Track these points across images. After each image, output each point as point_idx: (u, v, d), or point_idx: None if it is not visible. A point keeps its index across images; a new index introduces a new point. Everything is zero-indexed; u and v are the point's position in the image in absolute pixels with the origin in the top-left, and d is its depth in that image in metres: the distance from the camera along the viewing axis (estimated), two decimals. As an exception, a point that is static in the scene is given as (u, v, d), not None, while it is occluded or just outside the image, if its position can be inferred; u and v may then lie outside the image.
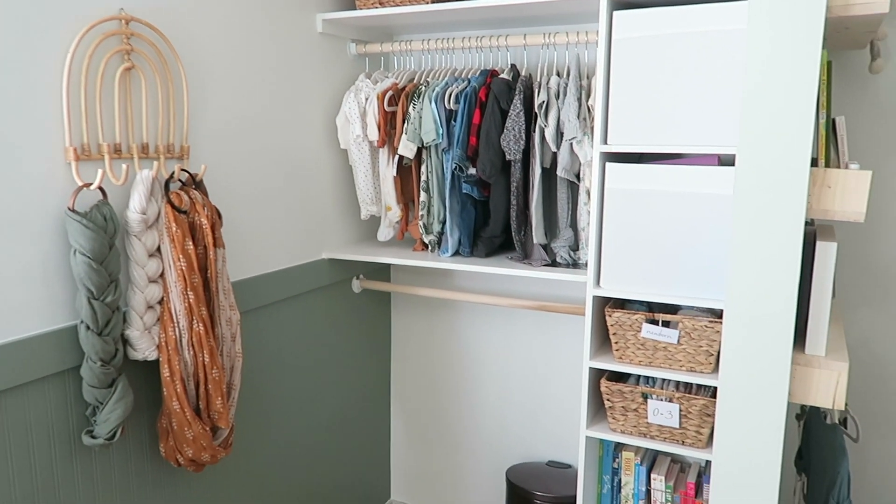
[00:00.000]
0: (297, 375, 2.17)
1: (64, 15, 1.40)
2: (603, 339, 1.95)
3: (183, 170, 1.63)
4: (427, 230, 2.14)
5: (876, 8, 1.24)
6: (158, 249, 1.57)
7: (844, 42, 1.73)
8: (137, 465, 1.65)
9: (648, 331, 1.77)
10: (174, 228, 1.55)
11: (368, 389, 2.56)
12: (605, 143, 1.78)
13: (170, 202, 1.56)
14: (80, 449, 1.51)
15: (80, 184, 1.42)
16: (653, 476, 2.04)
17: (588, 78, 1.94)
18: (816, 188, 1.32)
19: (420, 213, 2.13)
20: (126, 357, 1.53)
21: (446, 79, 2.08)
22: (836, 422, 1.65)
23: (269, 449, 2.08)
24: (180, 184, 1.63)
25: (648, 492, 2.06)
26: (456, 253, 2.14)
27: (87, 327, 1.42)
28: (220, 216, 1.68)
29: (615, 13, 1.72)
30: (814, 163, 1.40)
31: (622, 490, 2.06)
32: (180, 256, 1.55)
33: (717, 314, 1.77)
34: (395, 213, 2.20)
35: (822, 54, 1.29)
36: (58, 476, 1.46)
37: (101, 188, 1.45)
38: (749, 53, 1.32)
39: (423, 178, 2.11)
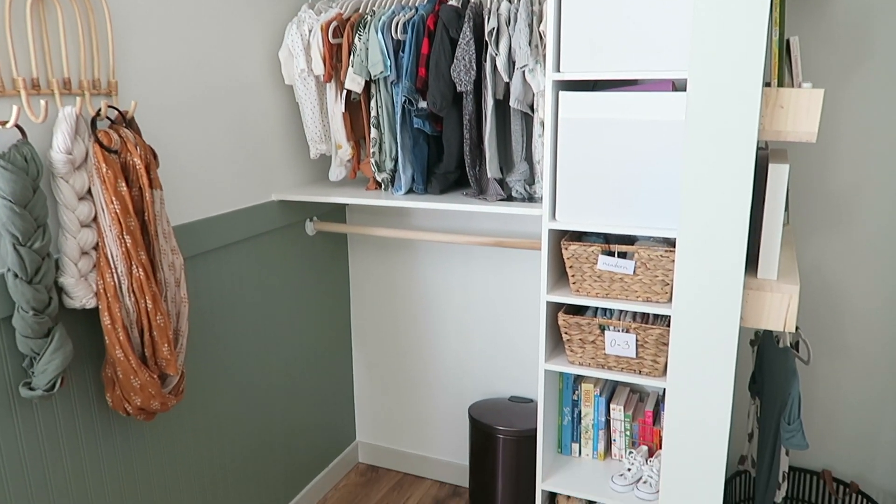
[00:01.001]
0: (253, 320, 2.12)
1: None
2: (560, 272, 1.93)
3: (111, 107, 1.53)
4: (379, 168, 2.08)
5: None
6: (89, 192, 1.48)
7: (800, -42, 1.68)
8: (84, 417, 1.60)
9: (605, 262, 1.75)
10: (104, 169, 1.46)
11: (328, 332, 2.53)
12: (558, 70, 1.72)
13: (98, 141, 1.46)
14: (19, 402, 1.45)
15: (-5, 122, 1.32)
16: (612, 406, 2.07)
17: (540, 3, 1.85)
18: (769, 109, 1.29)
19: (371, 150, 2.06)
20: (62, 306, 1.47)
21: (393, 7, 1.98)
22: (788, 345, 1.66)
23: (226, 395, 2.04)
24: (109, 122, 1.54)
25: (608, 422, 2.09)
26: (410, 191, 2.08)
27: (16, 275, 1.35)
28: (155, 156, 1.59)
29: (566, -69, 1.64)
30: (767, 85, 1.36)
31: (582, 421, 2.09)
32: (113, 199, 1.47)
33: (673, 243, 1.75)
34: (346, 151, 2.13)
35: (775, -34, 1.23)
36: (-3, 431, 1.41)
37: (18, 126, 1.35)
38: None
39: (372, 113, 2.03)
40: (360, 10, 2.06)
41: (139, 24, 1.64)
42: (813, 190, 2.04)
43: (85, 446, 1.61)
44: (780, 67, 1.42)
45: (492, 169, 1.93)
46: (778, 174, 1.30)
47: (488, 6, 1.87)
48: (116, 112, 1.55)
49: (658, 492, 1.85)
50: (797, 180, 2.05)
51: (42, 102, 1.38)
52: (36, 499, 1.50)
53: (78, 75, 1.49)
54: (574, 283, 1.80)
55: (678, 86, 1.68)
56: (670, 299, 1.72)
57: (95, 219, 1.49)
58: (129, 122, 1.57)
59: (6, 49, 1.34)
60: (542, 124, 1.85)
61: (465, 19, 1.86)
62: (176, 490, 1.88)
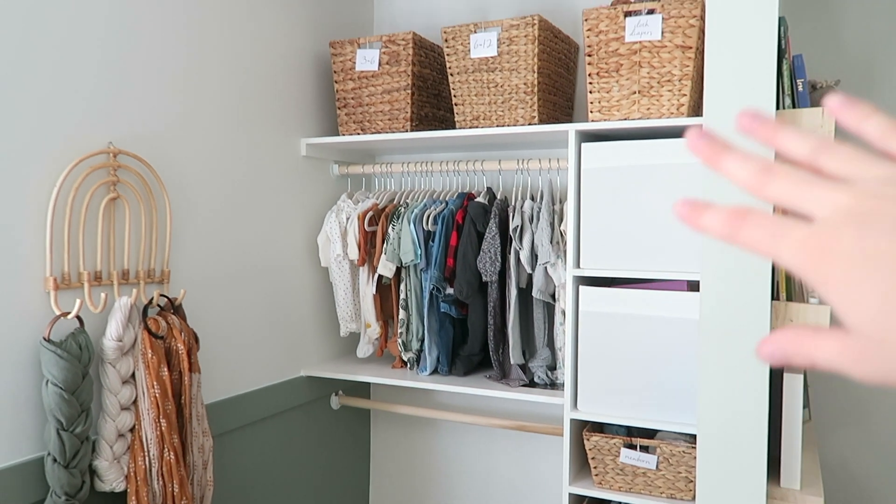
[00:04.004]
0: (272, 498, 2.11)
1: (54, 149, 1.46)
2: (582, 461, 1.92)
3: (162, 295, 1.65)
4: (406, 347, 2.15)
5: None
6: (133, 376, 1.56)
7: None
8: None
9: (627, 456, 1.76)
10: (150, 355, 1.55)
11: (345, 510, 2.48)
12: (578, 266, 1.83)
13: (147, 328, 1.57)
14: (36, 589, 1.44)
15: (58, 313, 1.44)
16: None
17: (560, 202, 2.01)
18: (779, 322, 1.36)
19: (399, 330, 2.15)
20: (93, 488, 1.50)
21: (425, 200, 2.16)
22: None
23: (238, 579, 1.98)
24: (159, 308, 1.65)
25: None
26: (434, 371, 2.14)
27: (54, 460, 1.40)
28: (197, 340, 1.69)
29: (583, 145, 1.82)
30: (777, 296, 1.44)
31: None
32: (154, 383, 1.55)
33: (695, 438, 1.76)
34: (375, 329, 2.22)
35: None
36: None
37: (78, 316, 1.46)
38: (705, 192, 1.40)
39: (402, 296, 2.14)
40: (395, 202, 2.24)
41: (193, 217, 1.81)
42: (834, 383, 2.06)
43: None
44: (789, 279, 1.51)
45: (514, 355, 1.99)
46: (793, 385, 1.34)
47: (513, 204, 2.03)
48: (166, 299, 1.66)
49: None
50: (817, 374, 2.08)
51: (102, 295, 1.50)
52: None
53: (136, 266, 1.63)
54: (597, 475, 1.80)
55: (693, 285, 1.77)
56: (695, 497, 1.70)
57: (135, 401, 1.56)
58: (177, 309, 1.69)
59: (77, 246, 1.49)
60: (563, 313, 1.93)
61: (492, 215, 2.02)
62: None
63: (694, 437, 1.76)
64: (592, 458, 1.79)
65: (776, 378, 1.44)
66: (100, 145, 1.55)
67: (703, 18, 1.69)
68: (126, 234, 1.60)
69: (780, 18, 1.43)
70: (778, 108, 1.46)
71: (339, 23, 2.38)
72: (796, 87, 1.52)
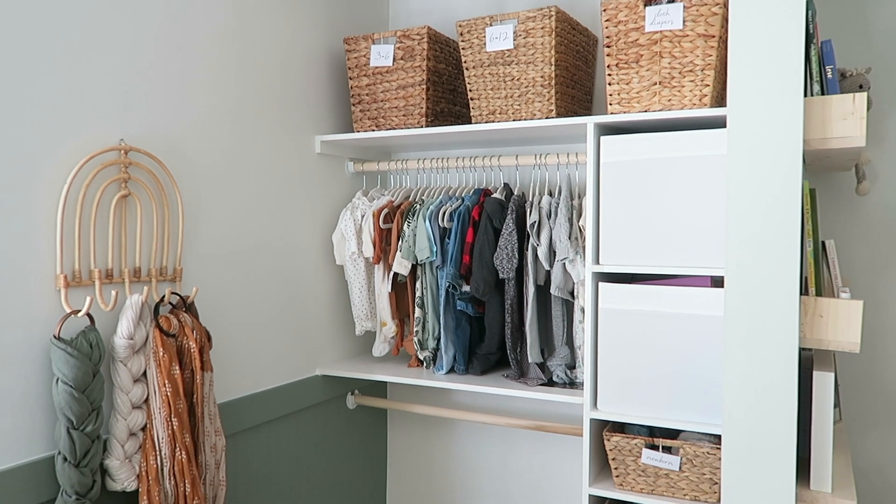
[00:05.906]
0: (287, 499, 2.08)
1: (64, 146, 1.44)
2: (603, 462, 1.87)
3: (174, 293, 1.63)
4: (422, 346, 2.12)
5: (853, 142, 1.26)
6: (144, 374, 1.54)
7: (829, 166, 1.76)
8: None
9: (649, 456, 1.70)
10: (161, 353, 1.53)
11: (362, 511, 2.46)
12: (597, 262, 1.78)
13: (158, 326, 1.55)
14: (48, 589, 1.43)
15: (69, 311, 1.42)
16: None
17: (579, 197, 1.96)
18: (808, 317, 1.30)
19: (415, 328, 2.11)
20: (104, 488, 1.48)
21: (440, 197, 2.12)
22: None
23: (253, 581, 1.96)
24: (171, 306, 1.63)
25: None
26: (451, 370, 2.10)
27: (65, 459, 1.38)
28: (209, 338, 1.67)
29: (602, 138, 1.77)
30: (806, 290, 1.38)
31: None
32: (166, 382, 1.53)
33: (720, 439, 1.70)
34: (391, 328, 2.18)
35: (803, 184, 1.30)
36: None
37: (88, 314, 1.45)
38: (730, 184, 1.34)
39: (417, 294, 2.10)
40: (410, 199, 2.21)
41: (206, 215, 1.79)
42: (867, 384, 1.99)
43: None
44: (818, 271, 1.45)
45: (532, 354, 1.95)
46: (823, 383, 1.28)
47: (530, 199, 1.99)
48: (178, 297, 1.65)
49: None
50: (849, 373, 2.00)
51: (113, 292, 1.48)
52: None
53: (148, 264, 1.61)
54: (617, 476, 1.74)
55: (716, 280, 1.71)
56: (720, 499, 1.65)
57: (146, 400, 1.54)
58: (189, 307, 1.67)
59: (88, 244, 1.48)
60: (583, 310, 1.88)
61: (508, 211, 1.97)
62: None
63: (719, 437, 1.71)
64: (613, 459, 1.74)
65: (805, 376, 1.38)
66: (111, 142, 1.54)
67: (726, 6, 1.63)
68: (138, 232, 1.58)
69: (807, 2, 1.37)
70: (806, 95, 1.41)
71: (354, 19, 2.35)
72: (825, 74, 1.46)
